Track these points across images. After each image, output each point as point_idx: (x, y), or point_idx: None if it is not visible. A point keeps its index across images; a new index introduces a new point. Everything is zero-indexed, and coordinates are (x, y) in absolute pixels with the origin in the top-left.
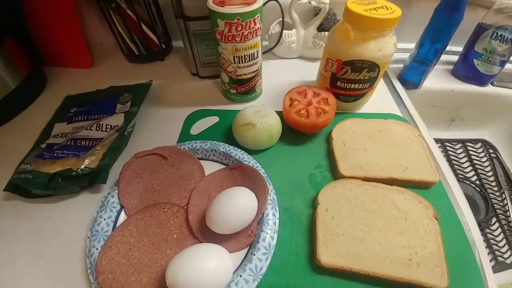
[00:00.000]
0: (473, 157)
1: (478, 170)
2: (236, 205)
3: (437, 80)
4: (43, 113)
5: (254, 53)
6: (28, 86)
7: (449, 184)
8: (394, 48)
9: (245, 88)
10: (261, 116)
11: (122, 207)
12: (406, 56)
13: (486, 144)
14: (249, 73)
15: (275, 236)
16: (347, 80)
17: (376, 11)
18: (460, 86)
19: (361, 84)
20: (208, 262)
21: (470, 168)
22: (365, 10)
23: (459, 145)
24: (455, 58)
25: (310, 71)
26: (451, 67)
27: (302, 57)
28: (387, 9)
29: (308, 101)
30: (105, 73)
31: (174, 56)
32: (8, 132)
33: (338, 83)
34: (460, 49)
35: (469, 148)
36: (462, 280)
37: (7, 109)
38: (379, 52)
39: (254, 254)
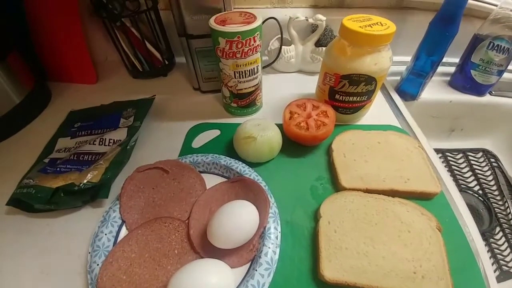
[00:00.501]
0: (474, 166)
1: (480, 180)
2: (238, 219)
3: (435, 91)
4: (47, 128)
5: (254, 68)
6: (32, 101)
7: (451, 195)
8: (390, 62)
9: (245, 102)
10: (261, 129)
11: (123, 221)
12: (402, 68)
13: (487, 153)
14: (249, 88)
15: (277, 250)
16: (345, 93)
17: (371, 27)
18: (458, 97)
19: (359, 97)
20: (210, 278)
21: (472, 177)
22: (360, 27)
23: (460, 155)
24: (452, 69)
25: (309, 85)
26: (448, 78)
27: (301, 71)
28: (382, 25)
29: (307, 113)
30: (109, 88)
31: (177, 71)
32: (11, 147)
33: (337, 96)
34: (456, 60)
35: (470, 157)
36: None
37: (11, 124)
38: (375, 66)
39: (256, 270)
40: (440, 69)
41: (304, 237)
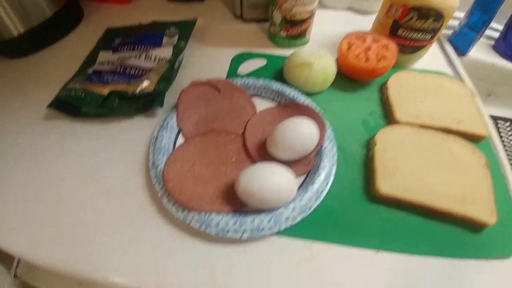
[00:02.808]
0: (502, 134)
1: (506, 149)
2: (300, 132)
3: (480, 52)
4: (83, 43)
5: None
6: (64, 16)
7: (493, 141)
8: (458, 2)
9: (296, 30)
10: (318, 56)
11: (179, 131)
12: (453, 23)
13: None
14: (304, 13)
15: (334, 167)
16: (410, 28)
17: None
18: (500, 62)
19: (423, 34)
20: (277, 176)
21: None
22: None
23: (492, 121)
24: (497, 34)
25: (360, 24)
26: (492, 42)
27: (351, 9)
28: None
29: (367, 46)
30: (143, 10)
31: None
32: (46, 59)
33: (400, 31)
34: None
35: (499, 125)
36: (503, 221)
37: (44, 35)
38: (447, 2)
39: (316, 179)
40: (487, 32)
41: (355, 162)
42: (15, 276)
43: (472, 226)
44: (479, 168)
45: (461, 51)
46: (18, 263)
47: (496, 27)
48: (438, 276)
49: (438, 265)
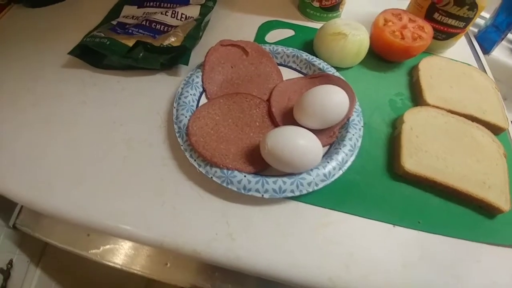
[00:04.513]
0: None
1: None
2: (329, 101)
3: (502, 54)
4: None
5: None
6: None
7: (510, 136)
8: None
9: (331, 2)
10: (353, 28)
11: (203, 90)
12: (480, 22)
13: None
14: None
15: (360, 140)
16: (446, 13)
17: None
18: None
19: (457, 21)
20: (304, 140)
21: None
22: None
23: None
24: None
25: (393, 5)
26: None
27: None
28: None
29: (403, 24)
30: None
31: None
32: (69, 9)
33: (435, 15)
34: None
35: None
36: None
37: None
38: None
39: (341, 149)
40: (510, 36)
41: (380, 139)
42: (14, 227)
43: (487, 211)
44: (498, 156)
45: (485, 49)
46: (19, 213)
47: None
48: (450, 255)
49: (452, 245)
